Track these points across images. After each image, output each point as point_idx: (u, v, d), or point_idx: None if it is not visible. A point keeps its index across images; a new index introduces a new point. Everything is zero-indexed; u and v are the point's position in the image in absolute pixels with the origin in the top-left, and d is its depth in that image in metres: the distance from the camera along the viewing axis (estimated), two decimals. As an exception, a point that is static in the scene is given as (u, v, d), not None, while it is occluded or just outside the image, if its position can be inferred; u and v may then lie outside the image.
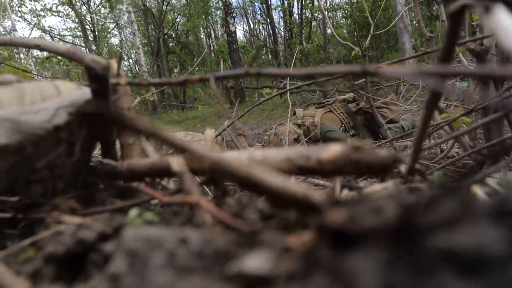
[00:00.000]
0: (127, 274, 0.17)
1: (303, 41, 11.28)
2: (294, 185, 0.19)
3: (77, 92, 0.40)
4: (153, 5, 12.96)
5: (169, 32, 13.41)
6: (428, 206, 0.15)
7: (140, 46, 10.24)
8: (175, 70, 14.43)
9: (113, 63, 0.51)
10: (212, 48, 15.43)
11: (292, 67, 2.39)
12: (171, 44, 13.52)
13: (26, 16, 12.80)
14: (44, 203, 0.42)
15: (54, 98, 0.37)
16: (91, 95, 0.40)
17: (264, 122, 5.88)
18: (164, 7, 12.45)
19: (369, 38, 1.62)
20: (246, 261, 0.16)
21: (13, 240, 0.41)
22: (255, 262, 0.16)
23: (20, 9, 12.52)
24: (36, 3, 12.56)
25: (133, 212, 0.28)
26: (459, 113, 1.00)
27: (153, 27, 12.78)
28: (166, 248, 0.17)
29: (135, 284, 0.16)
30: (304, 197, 0.19)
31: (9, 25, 10.71)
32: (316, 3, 11.80)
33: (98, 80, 0.39)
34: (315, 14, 11.59)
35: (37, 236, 0.31)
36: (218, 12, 14.28)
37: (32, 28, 13.06)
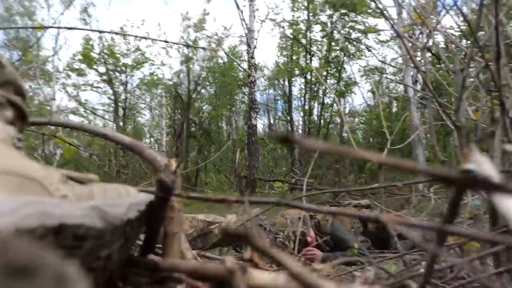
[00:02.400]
0: None
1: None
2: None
3: (141, 194, 0.49)
4: (184, 92, 14.00)
5: (193, 118, 14.21)
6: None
7: (165, 128, 10.81)
8: (192, 153, 14.91)
9: (173, 163, 0.60)
10: (231, 137, 16.09)
11: (311, 167, 2.50)
12: (193, 129, 14.22)
13: (67, 88, 13.94)
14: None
15: (126, 196, 0.46)
16: (154, 199, 0.49)
17: (272, 216, 5.82)
18: (194, 95, 13.42)
19: (385, 153, 1.73)
20: None
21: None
22: None
23: (64, 81, 13.72)
24: (80, 78, 13.77)
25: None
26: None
27: (180, 111, 13.63)
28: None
29: None
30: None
31: (49, 93, 11.65)
32: (336, 107, 12.53)
33: (166, 190, 0.47)
34: (334, 118, 12.24)
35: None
36: (242, 105, 15.25)
37: (70, 100, 14.10)
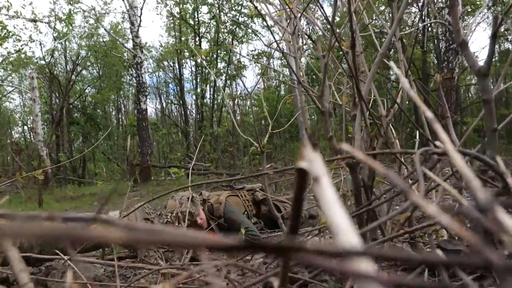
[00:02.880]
0: None
1: (214, 125, 11.75)
2: None
3: None
4: (61, 74, 12.49)
5: (74, 102, 12.85)
6: None
7: (39, 114, 9.55)
8: (77, 142, 13.54)
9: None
10: (121, 122, 15.07)
11: (199, 147, 2.44)
12: (75, 115, 12.87)
13: None
14: None
15: None
16: None
17: (165, 200, 5.65)
18: (73, 77, 12.08)
19: (267, 137, 1.77)
20: None
21: None
22: None
23: None
24: None
25: None
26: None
27: (57, 95, 12.16)
28: None
29: None
30: None
31: None
32: (228, 90, 12.64)
33: None
34: (226, 101, 12.33)
35: None
36: (131, 88, 14.32)
37: None
